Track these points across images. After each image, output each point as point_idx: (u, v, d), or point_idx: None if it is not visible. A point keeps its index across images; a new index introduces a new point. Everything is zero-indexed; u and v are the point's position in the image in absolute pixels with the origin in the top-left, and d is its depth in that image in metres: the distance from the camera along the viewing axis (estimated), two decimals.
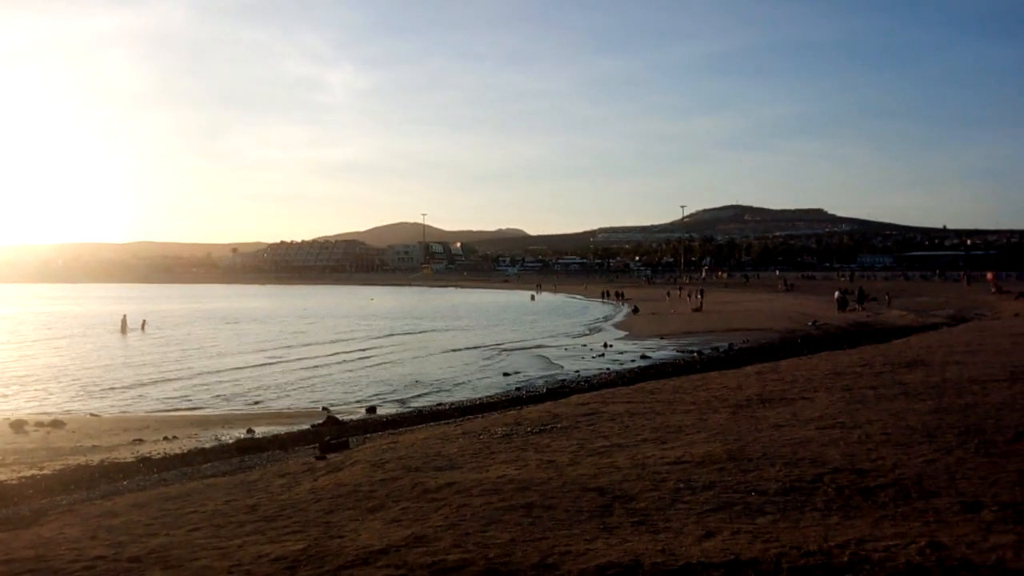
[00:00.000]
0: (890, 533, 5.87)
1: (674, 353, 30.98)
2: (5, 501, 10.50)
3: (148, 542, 6.90)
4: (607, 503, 7.17)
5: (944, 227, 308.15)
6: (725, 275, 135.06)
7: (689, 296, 64.84)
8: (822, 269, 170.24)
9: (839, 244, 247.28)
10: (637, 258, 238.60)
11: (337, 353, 34.87)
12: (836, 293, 55.12)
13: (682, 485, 7.61)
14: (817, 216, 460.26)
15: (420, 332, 45.03)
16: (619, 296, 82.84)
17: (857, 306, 50.94)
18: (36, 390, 24.63)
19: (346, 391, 23.95)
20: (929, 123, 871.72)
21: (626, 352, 32.24)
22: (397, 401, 21.92)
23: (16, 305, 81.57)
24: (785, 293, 78.03)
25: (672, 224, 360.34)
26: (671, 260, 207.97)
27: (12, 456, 13.95)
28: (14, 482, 11.64)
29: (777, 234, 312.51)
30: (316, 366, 30.29)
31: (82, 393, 24.13)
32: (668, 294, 76.33)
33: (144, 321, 50.18)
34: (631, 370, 25.60)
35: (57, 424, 17.74)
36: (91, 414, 20.31)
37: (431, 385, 24.76)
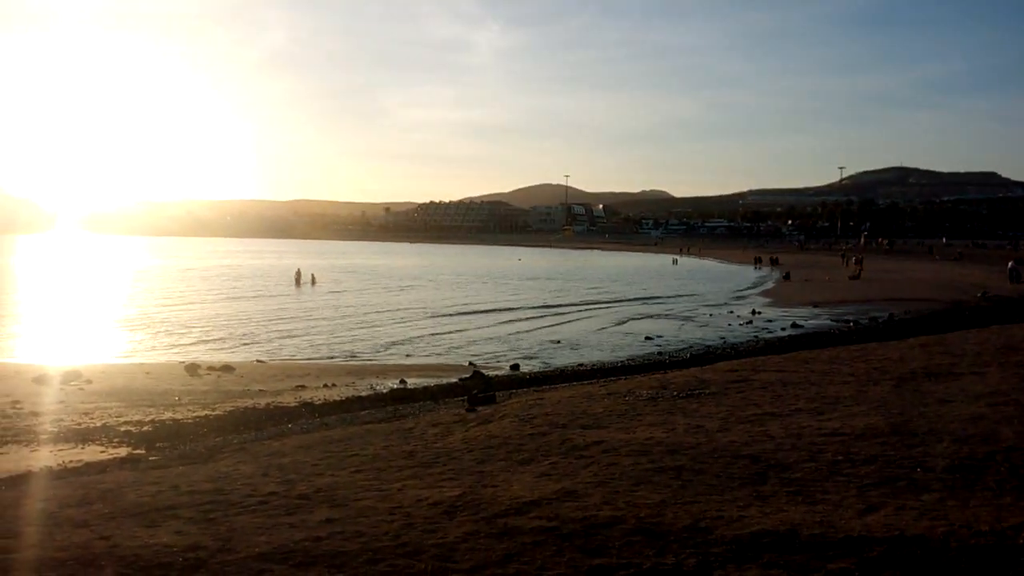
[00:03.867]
0: None
1: (828, 322, 29.76)
2: (183, 438, 11.43)
3: (315, 481, 7.36)
4: (760, 471, 7.04)
5: None
6: (885, 242, 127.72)
7: (854, 263, 61.75)
8: (995, 236, 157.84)
9: (1014, 210, 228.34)
10: (790, 222, 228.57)
11: (494, 324, 35.53)
12: (1010, 263, 51.17)
13: (841, 457, 7.36)
14: (989, 180, 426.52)
15: (569, 305, 44.95)
16: (773, 262, 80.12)
17: None
18: (212, 337, 26.65)
19: (490, 348, 24.55)
20: None
21: (776, 320, 31.25)
22: (538, 359, 22.24)
23: (196, 259, 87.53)
24: (952, 262, 73.15)
25: (828, 186, 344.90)
26: (826, 224, 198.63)
27: (187, 397, 15.12)
28: (189, 421, 12.64)
29: (945, 199, 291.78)
30: (467, 326, 31.21)
31: (251, 340, 25.91)
32: (844, 259, 71.90)
33: (313, 275, 52.85)
34: (781, 338, 24.82)
35: (227, 369, 19.08)
36: (258, 360, 21.74)
37: (572, 346, 24.92)
